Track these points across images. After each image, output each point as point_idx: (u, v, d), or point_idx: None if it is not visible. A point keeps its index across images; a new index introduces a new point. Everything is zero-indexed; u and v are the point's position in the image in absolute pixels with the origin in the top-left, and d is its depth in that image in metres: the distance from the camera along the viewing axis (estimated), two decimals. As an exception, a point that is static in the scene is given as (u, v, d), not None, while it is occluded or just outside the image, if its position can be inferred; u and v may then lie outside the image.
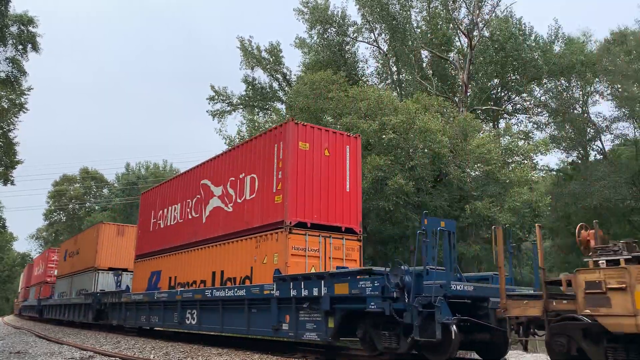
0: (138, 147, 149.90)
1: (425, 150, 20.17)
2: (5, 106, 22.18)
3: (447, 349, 7.49)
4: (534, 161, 25.34)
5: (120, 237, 23.80)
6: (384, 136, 20.52)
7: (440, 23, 30.32)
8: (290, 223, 10.99)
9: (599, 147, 33.65)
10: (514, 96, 32.22)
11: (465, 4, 28.70)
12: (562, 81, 31.25)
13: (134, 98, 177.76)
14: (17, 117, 23.33)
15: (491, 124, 31.22)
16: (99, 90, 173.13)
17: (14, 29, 22.78)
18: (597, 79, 30.79)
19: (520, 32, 28.38)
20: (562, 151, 34.74)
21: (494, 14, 28.60)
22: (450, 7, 29.05)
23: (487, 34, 28.74)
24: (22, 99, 23.38)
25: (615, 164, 29.20)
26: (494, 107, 30.45)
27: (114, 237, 23.66)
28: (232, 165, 13.85)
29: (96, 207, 66.19)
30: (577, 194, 28.03)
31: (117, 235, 23.78)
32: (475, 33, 28.01)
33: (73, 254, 27.06)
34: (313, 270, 10.80)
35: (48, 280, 32.78)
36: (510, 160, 23.14)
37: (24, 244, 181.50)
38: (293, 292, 9.87)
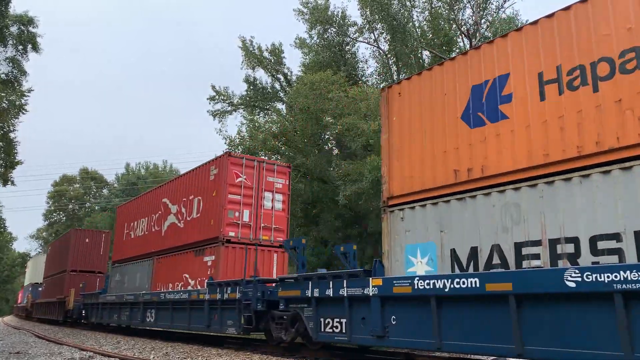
0: (138, 147, 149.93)
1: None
2: (5, 106, 22.18)
3: None
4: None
5: None
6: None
7: (442, 23, 30.31)
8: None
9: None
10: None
11: (470, 5, 28.72)
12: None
13: (134, 99, 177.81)
14: (18, 118, 23.33)
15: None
16: (99, 92, 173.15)
17: (14, 29, 22.79)
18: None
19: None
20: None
21: (497, 15, 28.61)
22: (454, 8, 29.05)
23: (489, 34, 28.73)
24: (23, 101, 23.38)
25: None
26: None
27: None
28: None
29: (96, 208, 66.20)
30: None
31: None
32: (477, 34, 28.01)
33: None
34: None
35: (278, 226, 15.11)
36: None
37: (23, 244, 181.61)
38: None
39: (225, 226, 14.00)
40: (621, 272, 5.47)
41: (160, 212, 18.05)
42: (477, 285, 6.77)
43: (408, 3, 29.79)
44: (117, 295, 19.08)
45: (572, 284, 5.86)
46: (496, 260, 7.13)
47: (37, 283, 38.26)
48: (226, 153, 14.85)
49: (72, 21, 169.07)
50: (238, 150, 26.99)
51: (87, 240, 28.06)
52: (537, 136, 6.99)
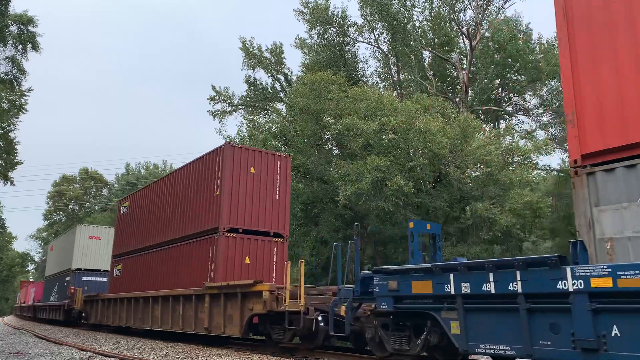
0: (138, 148, 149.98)
1: (425, 151, 20.13)
2: (5, 107, 22.15)
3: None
4: (534, 162, 25.30)
5: None
6: (383, 137, 20.49)
7: (442, 23, 30.30)
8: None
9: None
10: (515, 97, 32.19)
11: (471, 6, 28.73)
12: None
13: (135, 99, 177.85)
14: (17, 118, 23.30)
15: (492, 124, 31.18)
16: (100, 92, 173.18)
17: (13, 28, 22.78)
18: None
19: (522, 34, 28.34)
20: (564, 151, 34.70)
21: (498, 15, 28.61)
22: (456, 9, 29.05)
23: (489, 35, 28.72)
24: (22, 100, 23.36)
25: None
26: (494, 108, 30.43)
27: None
28: None
29: (96, 208, 66.20)
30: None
31: None
32: (478, 35, 28.01)
33: None
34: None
35: None
36: (511, 161, 23.10)
37: (23, 244, 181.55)
38: None
39: None
40: None
41: None
42: None
43: (408, 3, 29.78)
44: None
45: None
46: None
47: (81, 269, 26.49)
48: None
49: (73, 21, 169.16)
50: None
51: (252, 172, 14.28)
52: None
